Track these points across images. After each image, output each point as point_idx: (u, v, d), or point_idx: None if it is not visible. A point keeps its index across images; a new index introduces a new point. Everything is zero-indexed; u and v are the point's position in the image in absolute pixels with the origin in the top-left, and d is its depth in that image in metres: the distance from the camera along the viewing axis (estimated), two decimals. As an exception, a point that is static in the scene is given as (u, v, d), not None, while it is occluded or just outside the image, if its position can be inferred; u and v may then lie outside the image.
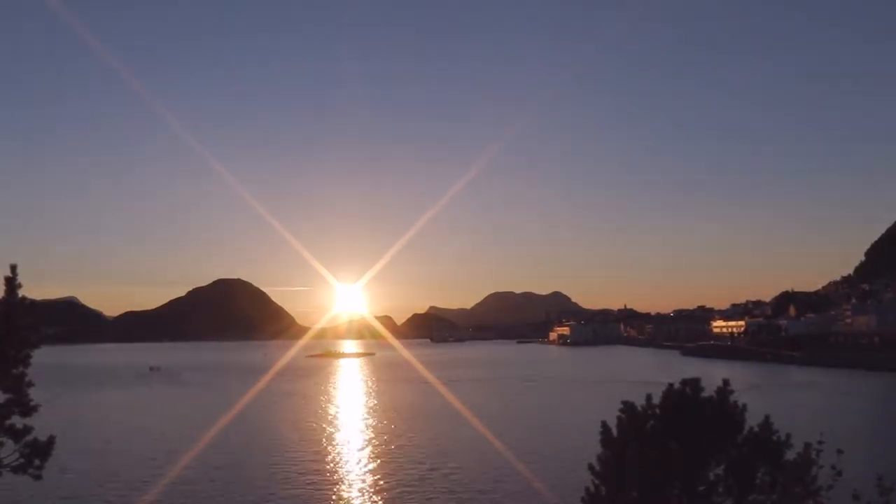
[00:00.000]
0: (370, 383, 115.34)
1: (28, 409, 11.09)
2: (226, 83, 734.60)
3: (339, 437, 56.45)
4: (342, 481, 40.09)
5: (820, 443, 8.65)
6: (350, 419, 67.76)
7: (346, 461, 45.95)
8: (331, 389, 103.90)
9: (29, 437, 10.86)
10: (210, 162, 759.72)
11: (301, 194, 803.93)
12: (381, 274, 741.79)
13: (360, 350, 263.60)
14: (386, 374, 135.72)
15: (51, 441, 11.05)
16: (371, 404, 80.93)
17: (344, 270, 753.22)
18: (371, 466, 43.80)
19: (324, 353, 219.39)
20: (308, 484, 38.91)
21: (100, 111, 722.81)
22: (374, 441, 53.46)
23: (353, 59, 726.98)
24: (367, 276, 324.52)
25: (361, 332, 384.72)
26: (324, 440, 54.20)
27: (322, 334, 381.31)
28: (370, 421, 65.75)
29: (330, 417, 69.12)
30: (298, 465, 43.67)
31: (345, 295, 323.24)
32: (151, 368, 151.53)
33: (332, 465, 44.65)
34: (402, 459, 45.31)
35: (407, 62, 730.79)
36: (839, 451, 8.43)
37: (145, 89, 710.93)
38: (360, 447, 51.05)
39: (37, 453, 10.84)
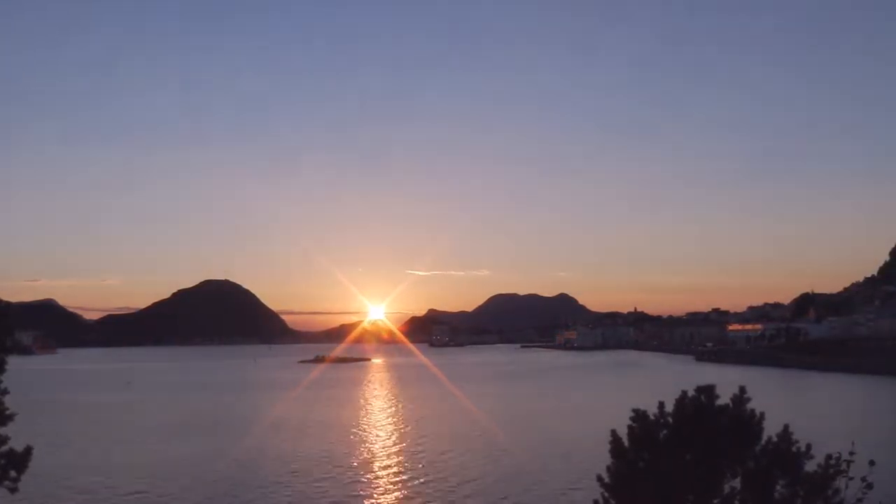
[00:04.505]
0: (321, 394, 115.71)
1: (3, 418, 11.06)
2: (226, 79, 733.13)
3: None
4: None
5: (851, 453, 8.61)
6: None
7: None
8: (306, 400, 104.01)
9: (4, 448, 10.83)
10: (201, 158, 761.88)
11: (302, 195, 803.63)
12: (379, 276, 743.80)
13: (357, 355, 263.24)
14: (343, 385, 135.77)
15: (28, 451, 11.02)
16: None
17: (340, 268, 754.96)
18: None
19: (316, 359, 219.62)
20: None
21: (87, 106, 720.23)
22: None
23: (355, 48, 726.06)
24: (392, 295, 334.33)
25: (378, 336, 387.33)
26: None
27: (336, 338, 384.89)
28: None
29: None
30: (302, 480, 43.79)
31: (369, 307, 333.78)
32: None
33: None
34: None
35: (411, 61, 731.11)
36: (871, 463, 8.40)
37: (137, 81, 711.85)
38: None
39: (13, 464, 10.82)
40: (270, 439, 59.28)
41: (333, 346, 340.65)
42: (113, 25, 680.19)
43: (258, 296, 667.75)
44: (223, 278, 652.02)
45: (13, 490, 10.84)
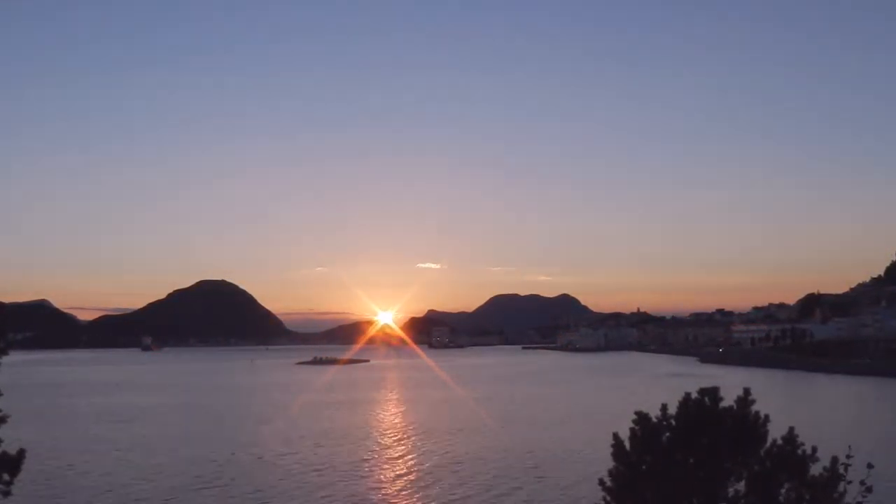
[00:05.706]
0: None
1: (-3, 420, 11.03)
2: (223, 78, 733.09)
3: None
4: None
5: (849, 457, 8.57)
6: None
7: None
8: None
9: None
10: (197, 157, 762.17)
11: (300, 194, 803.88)
12: (378, 277, 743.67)
13: (358, 357, 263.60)
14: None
15: (21, 454, 10.98)
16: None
17: (339, 268, 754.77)
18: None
19: (315, 361, 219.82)
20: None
21: (83, 104, 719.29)
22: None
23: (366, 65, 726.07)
24: (400, 303, 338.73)
25: (387, 342, 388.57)
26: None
27: (335, 340, 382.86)
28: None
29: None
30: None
31: (374, 309, 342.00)
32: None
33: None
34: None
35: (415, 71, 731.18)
36: (869, 466, 8.38)
37: (135, 82, 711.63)
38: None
39: (5, 467, 10.79)
40: (268, 446, 59.35)
41: (332, 347, 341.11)
42: (111, 25, 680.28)
43: (255, 296, 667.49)
44: (219, 278, 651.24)
45: (6, 493, 10.81)
